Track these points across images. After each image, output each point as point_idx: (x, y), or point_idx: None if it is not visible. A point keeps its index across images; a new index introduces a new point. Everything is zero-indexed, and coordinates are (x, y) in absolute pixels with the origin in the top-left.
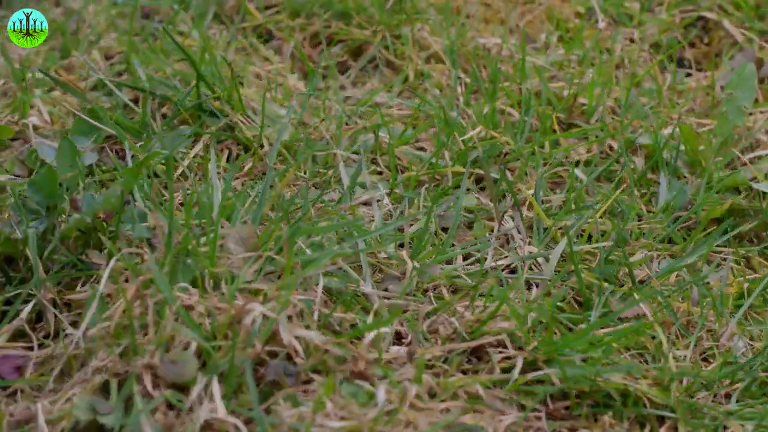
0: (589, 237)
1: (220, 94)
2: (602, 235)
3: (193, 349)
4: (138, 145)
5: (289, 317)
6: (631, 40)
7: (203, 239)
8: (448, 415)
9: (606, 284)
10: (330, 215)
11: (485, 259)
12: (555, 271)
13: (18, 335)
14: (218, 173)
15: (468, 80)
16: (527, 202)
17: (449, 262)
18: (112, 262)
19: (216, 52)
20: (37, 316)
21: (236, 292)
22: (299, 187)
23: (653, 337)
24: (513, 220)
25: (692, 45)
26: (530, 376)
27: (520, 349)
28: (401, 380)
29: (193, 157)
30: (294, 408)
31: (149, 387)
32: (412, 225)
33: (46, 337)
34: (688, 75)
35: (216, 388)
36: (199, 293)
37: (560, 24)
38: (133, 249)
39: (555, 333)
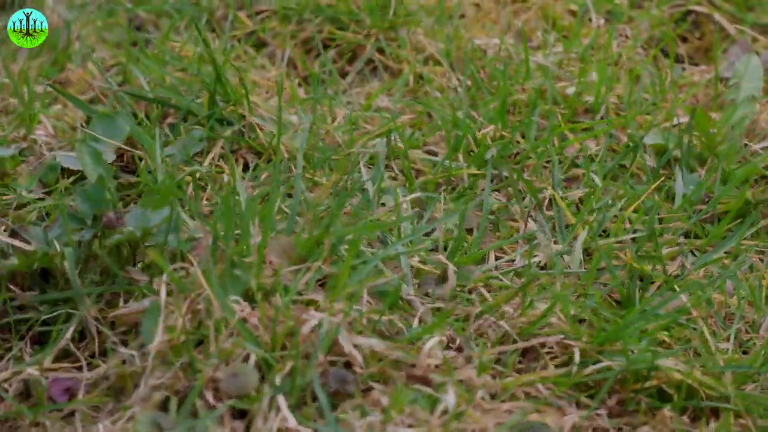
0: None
1: (235, 100)
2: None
3: (252, 361)
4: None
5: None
6: (626, 37)
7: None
8: (514, 415)
9: (649, 268)
10: (364, 220)
11: (533, 256)
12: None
13: (62, 356)
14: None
15: (469, 82)
16: (546, 201)
17: (481, 263)
18: (165, 278)
19: (217, 58)
20: (80, 335)
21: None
22: (320, 194)
23: (694, 328)
24: (534, 220)
25: (684, 40)
26: (589, 369)
27: (567, 348)
28: (463, 383)
29: (209, 165)
30: (363, 418)
31: (211, 401)
32: (435, 228)
33: (91, 356)
34: (683, 70)
35: (282, 400)
36: (250, 305)
37: (556, 23)
38: (179, 264)
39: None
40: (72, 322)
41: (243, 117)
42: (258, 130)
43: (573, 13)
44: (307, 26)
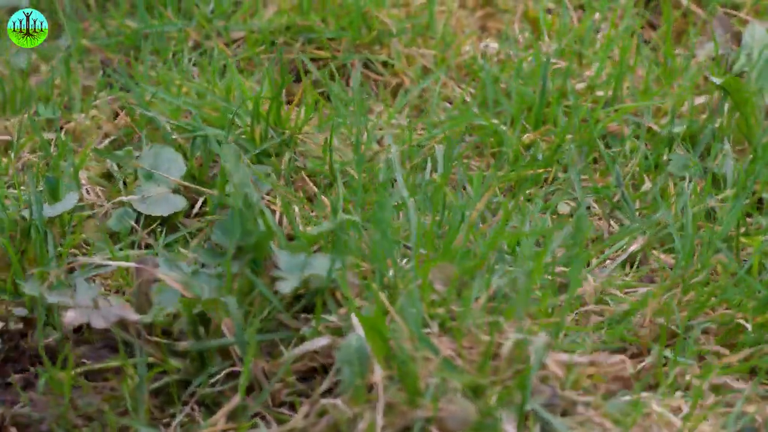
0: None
1: (289, 129)
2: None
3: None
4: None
5: None
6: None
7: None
8: (733, 409)
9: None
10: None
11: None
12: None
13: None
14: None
15: (473, 90)
16: (615, 198)
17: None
18: (355, 320)
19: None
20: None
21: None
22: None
23: None
24: (613, 218)
25: (653, 26)
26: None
27: (714, 335)
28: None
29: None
30: None
31: None
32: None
33: (266, 408)
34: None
35: (511, 426)
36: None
37: (546, 22)
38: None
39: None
40: (239, 377)
41: (288, 146)
42: (329, 155)
43: (549, 11)
44: (290, 49)
